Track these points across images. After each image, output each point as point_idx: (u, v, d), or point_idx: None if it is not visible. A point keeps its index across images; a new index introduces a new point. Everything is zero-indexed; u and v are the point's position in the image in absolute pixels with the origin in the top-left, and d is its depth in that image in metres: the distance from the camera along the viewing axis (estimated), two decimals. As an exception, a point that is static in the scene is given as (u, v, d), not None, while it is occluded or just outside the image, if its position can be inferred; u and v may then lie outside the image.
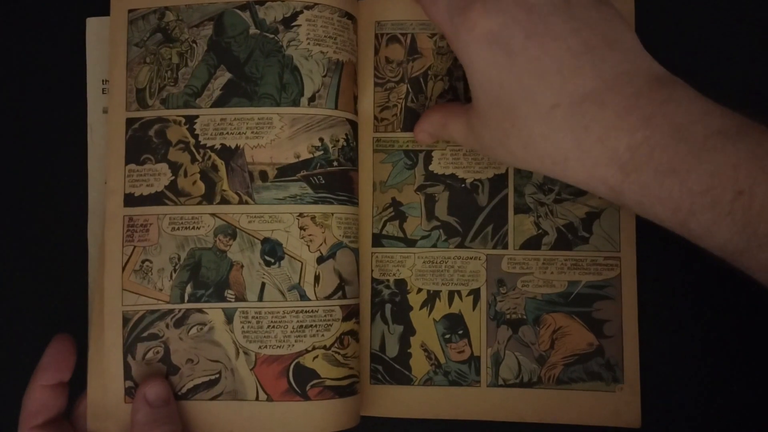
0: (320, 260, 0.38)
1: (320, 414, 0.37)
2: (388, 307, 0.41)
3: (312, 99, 0.38)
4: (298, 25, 0.38)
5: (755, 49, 0.41)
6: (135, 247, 0.38)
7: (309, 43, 0.38)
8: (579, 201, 0.41)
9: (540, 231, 0.42)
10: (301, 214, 0.38)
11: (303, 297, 0.37)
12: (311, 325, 0.37)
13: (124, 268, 0.38)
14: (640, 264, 0.40)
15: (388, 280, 0.41)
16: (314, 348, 0.37)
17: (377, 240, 0.41)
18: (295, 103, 0.38)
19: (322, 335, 0.37)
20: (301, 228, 0.37)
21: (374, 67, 0.42)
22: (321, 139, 0.38)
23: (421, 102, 0.42)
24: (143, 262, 0.38)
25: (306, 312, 0.37)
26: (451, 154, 0.42)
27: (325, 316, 0.37)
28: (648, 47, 0.36)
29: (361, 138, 0.41)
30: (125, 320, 0.37)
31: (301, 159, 0.38)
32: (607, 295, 0.41)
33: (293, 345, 0.37)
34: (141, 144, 0.38)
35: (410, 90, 0.42)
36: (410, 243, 0.41)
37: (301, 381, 0.37)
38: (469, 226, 0.42)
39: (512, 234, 0.42)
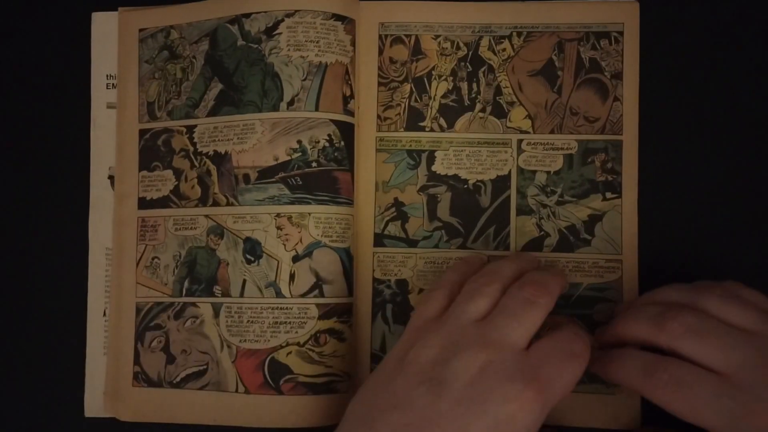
0: (295, 259, 0.39)
1: (293, 409, 0.38)
2: (389, 307, 0.41)
3: (291, 103, 0.39)
4: (279, 33, 0.40)
5: (757, 49, 0.41)
6: (147, 245, 0.42)
7: (289, 50, 0.39)
8: (581, 203, 0.41)
9: (542, 233, 0.41)
10: (278, 215, 0.39)
11: (278, 294, 0.39)
12: (285, 322, 0.38)
13: (137, 264, 0.42)
14: (641, 267, 0.40)
15: (389, 280, 0.41)
16: (288, 344, 0.38)
17: (379, 240, 0.41)
18: (275, 108, 0.39)
19: (296, 332, 0.38)
20: (278, 227, 0.39)
21: (378, 67, 0.42)
22: (299, 141, 0.39)
23: (424, 102, 0.42)
24: (153, 258, 0.42)
25: (281, 309, 0.38)
26: (454, 155, 0.41)
27: (299, 313, 0.38)
28: (650, 50, 0.40)
29: (363, 137, 0.42)
30: (138, 310, 0.41)
31: (279, 161, 0.39)
32: (608, 298, 0.40)
33: (269, 340, 0.38)
34: (151, 152, 0.42)
35: (414, 89, 0.42)
36: (412, 243, 0.41)
37: (275, 375, 0.38)
38: (471, 227, 0.41)
39: (514, 235, 0.41)
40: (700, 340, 0.31)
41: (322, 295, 0.39)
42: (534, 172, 0.41)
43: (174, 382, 0.40)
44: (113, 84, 0.43)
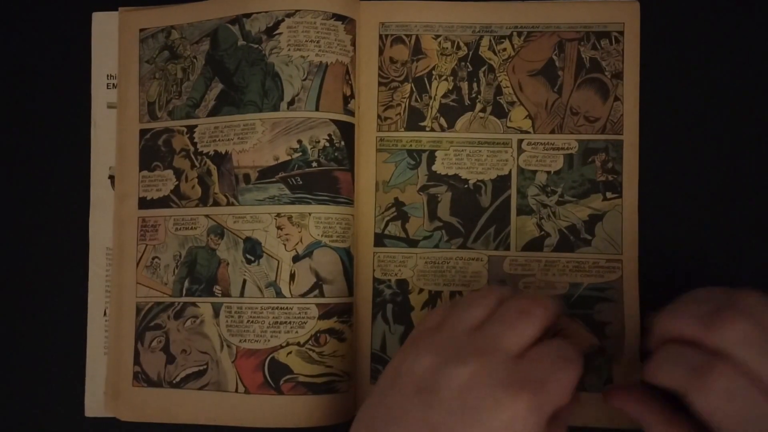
0: (296, 259, 0.39)
1: (293, 408, 0.38)
2: (389, 307, 0.41)
3: (291, 103, 0.39)
4: (280, 33, 0.40)
5: (757, 49, 0.41)
6: (147, 245, 0.42)
7: (290, 49, 0.39)
8: (582, 203, 0.41)
9: (542, 233, 0.41)
10: (278, 214, 0.39)
11: (279, 294, 0.39)
12: (286, 322, 0.38)
13: (138, 264, 0.42)
14: (641, 267, 0.40)
15: (389, 280, 0.41)
16: (288, 344, 0.38)
17: (379, 240, 0.41)
18: (275, 108, 0.39)
19: (296, 332, 0.38)
20: (278, 227, 0.39)
21: (378, 66, 0.42)
22: (299, 141, 0.39)
23: (425, 102, 0.42)
24: (153, 258, 0.42)
25: (281, 309, 0.38)
26: (455, 155, 0.41)
27: (299, 313, 0.38)
28: (651, 50, 0.41)
29: (364, 137, 0.42)
30: (138, 310, 0.41)
31: (279, 161, 0.39)
32: (608, 298, 0.40)
33: (269, 340, 0.38)
34: (152, 152, 0.42)
35: (414, 89, 0.42)
36: (412, 243, 0.41)
37: (275, 375, 0.38)
38: (472, 227, 0.41)
39: (514, 235, 0.41)
40: (759, 352, 0.28)
41: (322, 295, 0.39)
42: (534, 172, 0.41)
43: (174, 382, 0.40)
44: (114, 84, 0.43)
